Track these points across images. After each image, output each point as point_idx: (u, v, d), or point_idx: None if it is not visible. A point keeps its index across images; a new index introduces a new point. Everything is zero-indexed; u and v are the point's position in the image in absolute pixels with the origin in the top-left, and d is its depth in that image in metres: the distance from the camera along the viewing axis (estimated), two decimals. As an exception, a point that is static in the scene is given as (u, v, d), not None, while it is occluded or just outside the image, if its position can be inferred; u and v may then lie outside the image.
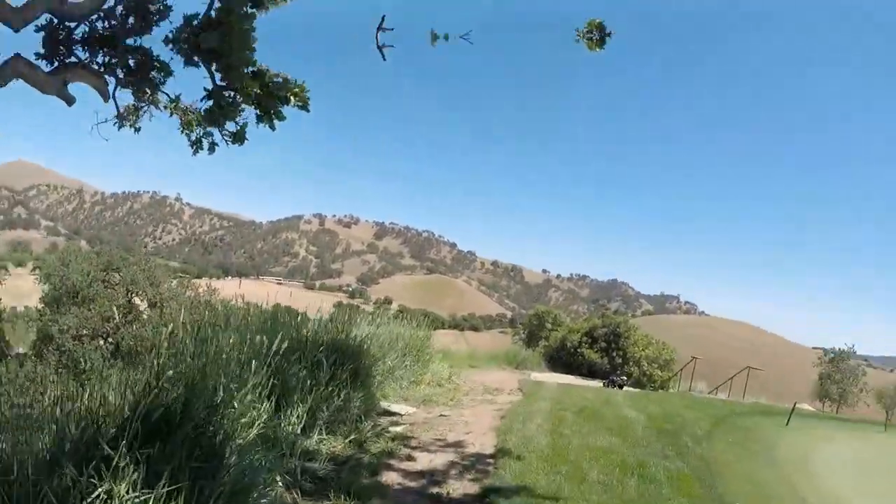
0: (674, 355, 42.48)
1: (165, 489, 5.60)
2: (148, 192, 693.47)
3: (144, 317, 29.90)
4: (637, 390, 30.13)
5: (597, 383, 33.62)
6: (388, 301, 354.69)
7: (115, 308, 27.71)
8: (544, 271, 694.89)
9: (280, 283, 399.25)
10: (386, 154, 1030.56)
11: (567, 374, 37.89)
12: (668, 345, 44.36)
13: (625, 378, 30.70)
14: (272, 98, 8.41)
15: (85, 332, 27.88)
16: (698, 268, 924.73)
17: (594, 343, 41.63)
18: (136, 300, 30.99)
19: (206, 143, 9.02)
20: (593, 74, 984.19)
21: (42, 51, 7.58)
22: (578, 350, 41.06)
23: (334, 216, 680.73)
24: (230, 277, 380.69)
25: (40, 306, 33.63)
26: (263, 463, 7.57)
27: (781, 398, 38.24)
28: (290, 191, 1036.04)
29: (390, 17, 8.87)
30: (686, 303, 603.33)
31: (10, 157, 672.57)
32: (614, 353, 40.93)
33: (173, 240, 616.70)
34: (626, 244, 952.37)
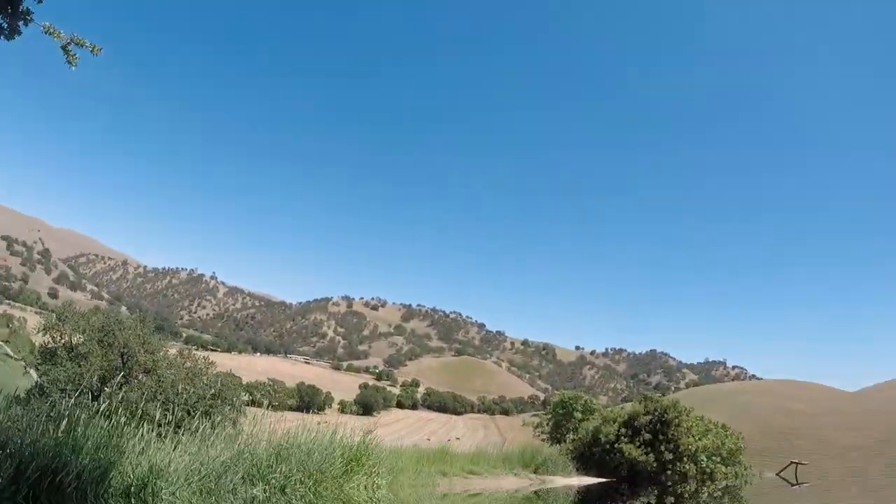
0: (741, 443, 33.22)
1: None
2: (186, 269, 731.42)
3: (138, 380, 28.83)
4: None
5: None
6: (415, 383, 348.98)
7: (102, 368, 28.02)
8: (578, 348, 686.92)
9: (308, 362, 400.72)
10: (414, 236, 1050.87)
11: (601, 477, 31.92)
12: (730, 429, 35.14)
13: None
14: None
15: (70, 386, 26.97)
16: (742, 327, 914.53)
17: (636, 435, 33.09)
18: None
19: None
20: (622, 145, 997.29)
21: None
22: (615, 446, 32.24)
23: (362, 298, 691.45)
24: (259, 354, 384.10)
25: (36, 357, 35.67)
26: None
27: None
28: (320, 273, 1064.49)
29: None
30: (734, 367, 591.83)
31: (62, 224, 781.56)
32: (662, 447, 32.06)
33: (207, 314, 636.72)
34: (664, 312, 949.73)
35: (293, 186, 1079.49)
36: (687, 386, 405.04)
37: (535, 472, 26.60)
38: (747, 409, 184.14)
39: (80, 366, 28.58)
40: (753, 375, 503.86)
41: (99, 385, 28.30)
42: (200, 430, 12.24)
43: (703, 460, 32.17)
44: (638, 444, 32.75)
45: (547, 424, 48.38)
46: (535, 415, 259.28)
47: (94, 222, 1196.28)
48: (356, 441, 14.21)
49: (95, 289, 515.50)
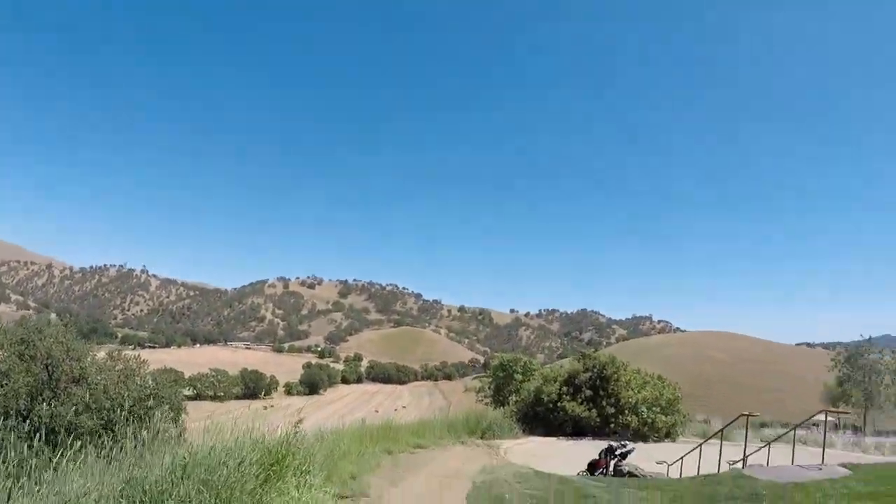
0: (678, 393, 34.19)
1: None
2: (115, 265, 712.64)
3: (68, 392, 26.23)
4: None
5: (585, 444, 27.55)
6: (357, 358, 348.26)
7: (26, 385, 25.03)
8: (512, 311, 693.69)
9: (249, 348, 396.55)
10: (345, 211, 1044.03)
11: (548, 435, 32.20)
12: (666, 380, 36.17)
13: (629, 445, 22.22)
14: None
15: None
16: (667, 283, 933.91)
17: (577, 392, 33.66)
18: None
19: None
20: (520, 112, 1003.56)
21: None
22: (558, 404, 32.84)
23: (298, 278, 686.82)
24: (198, 345, 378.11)
25: None
26: None
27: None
28: (254, 257, 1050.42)
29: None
30: (660, 321, 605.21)
31: None
32: (603, 402, 32.74)
33: (141, 310, 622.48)
34: (593, 272, 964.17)
35: (216, 168, 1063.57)
36: (617, 340, 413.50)
37: (481, 438, 26.77)
38: (672, 360, 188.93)
39: (2, 386, 27.51)
40: (678, 328, 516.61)
41: (27, 403, 27.42)
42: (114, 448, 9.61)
43: (643, 412, 32.93)
44: (580, 400, 33.28)
45: (489, 388, 48.83)
46: (476, 377, 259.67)
47: (12, 228, 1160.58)
48: (278, 437, 11.79)
49: (21, 298, 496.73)
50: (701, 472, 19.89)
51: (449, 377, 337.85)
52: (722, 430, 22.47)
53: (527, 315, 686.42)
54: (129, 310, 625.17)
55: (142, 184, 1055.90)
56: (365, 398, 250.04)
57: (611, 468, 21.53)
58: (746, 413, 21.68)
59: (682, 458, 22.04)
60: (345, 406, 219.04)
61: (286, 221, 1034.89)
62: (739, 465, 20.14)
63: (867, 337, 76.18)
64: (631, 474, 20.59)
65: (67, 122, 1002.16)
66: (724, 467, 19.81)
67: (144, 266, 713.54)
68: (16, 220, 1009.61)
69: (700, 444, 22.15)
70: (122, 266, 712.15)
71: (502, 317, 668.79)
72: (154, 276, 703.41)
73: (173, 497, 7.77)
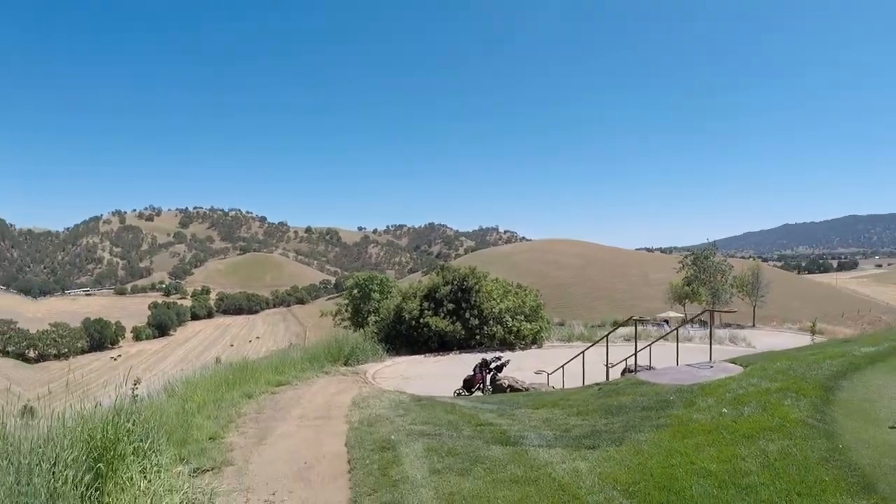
0: (539, 300, 33.75)
1: None
2: None
3: None
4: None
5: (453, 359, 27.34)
6: (206, 291, 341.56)
7: None
8: (360, 228, 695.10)
9: (90, 294, 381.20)
10: (181, 133, 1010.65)
11: (414, 353, 31.37)
12: (527, 288, 35.69)
13: (504, 357, 21.36)
14: None
15: None
16: (512, 193, 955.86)
17: (439, 307, 32.70)
18: None
19: None
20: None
21: None
22: (421, 321, 31.82)
23: (135, 210, 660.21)
24: (33, 298, 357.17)
25: None
26: None
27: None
28: (84, 191, 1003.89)
29: None
30: (506, 231, 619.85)
31: None
32: (467, 314, 31.92)
33: None
34: (438, 185, 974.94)
35: (36, 95, 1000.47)
36: (465, 251, 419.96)
37: (345, 365, 25.54)
38: (523, 266, 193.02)
39: None
40: (523, 237, 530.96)
41: None
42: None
43: (508, 321, 32.46)
44: (443, 315, 32.42)
45: (346, 310, 47.49)
46: (329, 298, 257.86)
47: None
48: (102, 418, 8.92)
49: None
50: (585, 381, 19.18)
51: (302, 301, 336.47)
52: (607, 336, 21.69)
53: (374, 232, 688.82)
54: None
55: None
56: (219, 332, 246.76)
57: (487, 383, 20.62)
58: (636, 317, 21.18)
59: (562, 366, 21.30)
60: (199, 344, 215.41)
61: (119, 149, 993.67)
62: (619, 367, 19.50)
63: (711, 241, 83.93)
64: (512, 388, 19.70)
65: None
66: (611, 374, 19.13)
67: None
68: None
69: (583, 351, 21.45)
70: None
71: (350, 235, 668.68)
72: None
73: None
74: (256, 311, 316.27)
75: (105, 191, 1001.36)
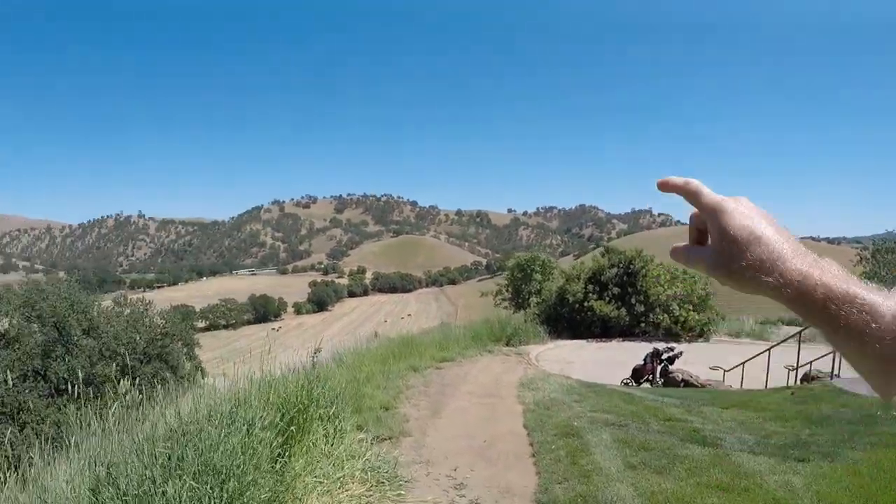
0: (709, 288, 31.98)
1: None
2: (111, 215, 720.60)
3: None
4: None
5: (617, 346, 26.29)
6: (361, 270, 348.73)
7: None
8: (510, 210, 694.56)
9: (254, 274, 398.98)
10: (335, 127, 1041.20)
11: (575, 337, 30.66)
12: (696, 275, 34.09)
13: (677, 348, 20.35)
14: None
15: (14, 374, 25.13)
16: (662, 173, 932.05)
17: (604, 290, 31.52)
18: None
19: None
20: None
21: None
22: (585, 304, 30.86)
23: (292, 200, 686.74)
24: (205, 278, 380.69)
25: None
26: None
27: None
28: (246, 185, 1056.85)
29: None
30: (660, 214, 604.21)
31: None
32: (632, 300, 30.83)
33: (145, 254, 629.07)
34: (590, 166, 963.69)
35: (198, 103, 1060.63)
36: (618, 235, 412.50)
37: (507, 345, 25.21)
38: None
39: (15, 350, 27.02)
40: (678, 221, 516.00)
41: (42, 363, 26.97)
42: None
43: (675, 309, 30.99)
44: (607, 299, 31.45)
45: (507, 290, 46.95)
46: (480, 280, 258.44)
47: (7, 199, 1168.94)
48: (296, 383, 8.95)
49: (27, 263, 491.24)
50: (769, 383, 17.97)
51: (453, 282, 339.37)
52: (799, 335, 19.65)
53: (525, 214, 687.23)
54: (132, 255, 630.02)
55: (125, 132, 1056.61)
56: (374, 309, 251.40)
57: (657, 375, 19.72)
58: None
59: (742, 364, 19.86)
60: (355, 319, 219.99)
61: (277, 143, 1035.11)
62: (801, 372, 18.07)
63: (891, 231, 76.55)
64: (686, 382, 18.79)
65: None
66: (789, 376, 17.80)
67: (140, 211, 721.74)
68: (6, 190, 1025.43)
69: (769, 349, 19.95)
70: (118, 214, 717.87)
71: (500, 217, 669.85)
72: (151, 218, 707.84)
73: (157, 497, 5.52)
74: (410, 290, 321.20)
75: (265, 183, 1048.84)
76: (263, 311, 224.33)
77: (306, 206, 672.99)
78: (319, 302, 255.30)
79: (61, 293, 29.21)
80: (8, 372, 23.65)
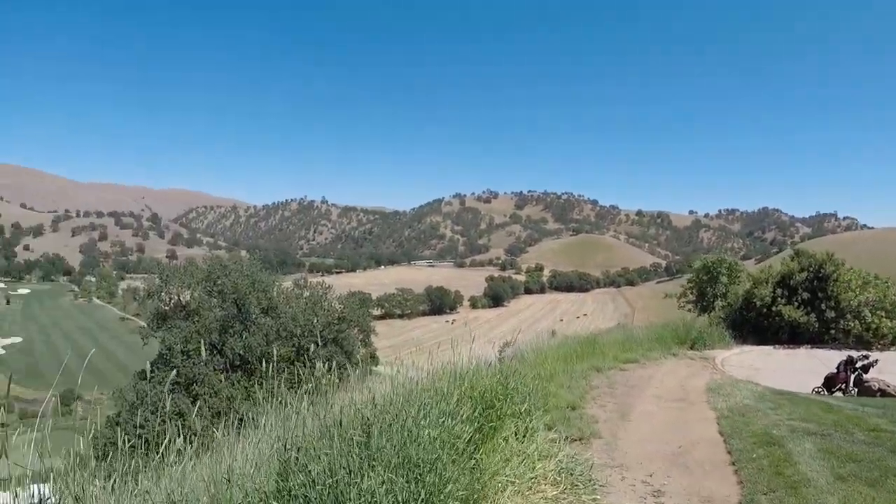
0: None
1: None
2: (295, 199, 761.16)
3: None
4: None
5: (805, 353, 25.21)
6: (539, 268, 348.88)
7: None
8: (691, 212, 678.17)
9: (432, 266, 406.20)
10: (517, 123, 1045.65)
11: (762, 343, 29.25)
12: (889, 279, 32.42)
13: (871, 356, 19.55)
14: None
15: (191, 346, 27.06)
16: (852, 178, 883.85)
17: (793, 295, 30.44)
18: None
19: None
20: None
21: None
22: (772, 308, 29.94)
23: (473, 194, 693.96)
24: (383, 267, 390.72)
25: (144, 324, 35.04)
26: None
27: None
28: (428, 176, 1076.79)
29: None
30: (845, 218, 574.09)
31: (165, 185, 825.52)
32: (822, 305, 29.64)
33: (325, 239, 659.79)
34: (773, 168, 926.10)
35: (384, 97, 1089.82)
36: (801, 239, 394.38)
37: (691, 349, 24.85)
38: (864, 257, 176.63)
39: (195, 323, 28.68)
40: (864, 225, 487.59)
41: (219, 337, 28.57)
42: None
43: (866, 315, 29.56)
44: (796, 304, 30.30)
45: (691, 293, 45.90)
46: (659, 282, 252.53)
47: (195, 176, 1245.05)
48: (491, 377, 8.97)
49: (211, 239, 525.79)
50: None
51: (631, 283, 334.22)
52: None
53: (706, 216, 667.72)
54: (313, 239, 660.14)
55: (312, 120, 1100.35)
56: (549, 307, 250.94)
57: (851, 384, 19.04)
58: None
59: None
60: (530, 316, 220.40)
61: (460, 140, 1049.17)
62: None
63: None
64: (883, 392, 17.98)
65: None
66: None
67: (324, 197, 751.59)
68: (195, 168, 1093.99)
69: None
70: (302, 199, 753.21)
71: (681, 219, 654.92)
72: (334, 205, 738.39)
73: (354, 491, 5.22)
74: (586, 290, 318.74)
75: (447, 176, 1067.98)
76: (439, 302, 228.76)
77: (487, 201, 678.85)
78: (495, 297, 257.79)
79: (243, 271, 30.23)
80: (185, 343, 25.54)
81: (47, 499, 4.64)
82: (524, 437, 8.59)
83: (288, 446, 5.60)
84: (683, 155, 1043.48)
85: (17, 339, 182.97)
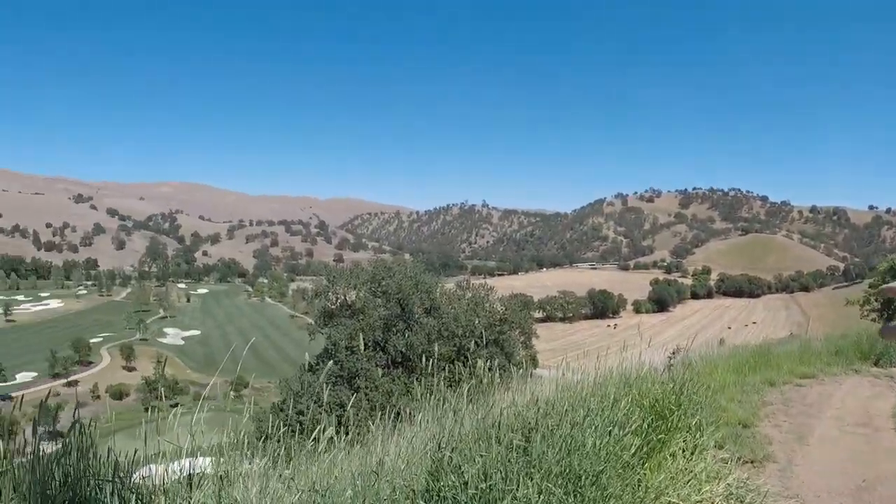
0: None
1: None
2: (457, 204, 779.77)
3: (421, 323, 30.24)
4: None
5: None
6: (706, 271, 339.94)
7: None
8: (872, 208, 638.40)
9: (594, 268, 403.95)
10: (678, 118, 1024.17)
11: None
12: None
13: None
14: None
15: (355, 342, 28.02)
16: None
17: None
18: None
19: None
20: None
21: None
22: (979, 319, 27.71)
23: (635, 193, 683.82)
24: (544, 269, 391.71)
25: (311, 321, 37.87)
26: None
27: None
28: (589, 176, 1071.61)
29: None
30: None
31: (331, 195, 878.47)
32: None
33: (487, 242, 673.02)
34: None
35: (542, 98, 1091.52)
36: None
37: (876, 365, 23.26)
38: None
39: (359, 321, 29.99)
40: None
41: (382, 335, 29.71)
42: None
43: None
44: None
45: (875, 300, 43.00)
46: (836, 287, 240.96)
47: (360, 185, 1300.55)
48: (662, 386, 8.46)
49: (376, 244, 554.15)
50: None
51: (806, 288, 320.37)
52: None
53: (888, 212, 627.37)
54: (475, 243, 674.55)
55: (475, 124, 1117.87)
56: (716, 314, 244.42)
57: None
58: None
59: None
60: (696, 322, 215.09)
61: (620, 140, 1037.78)
62: None
63: None
64: None
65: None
66: None
67: (484, 200, 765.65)
68: (360, 177, 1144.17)
69: None
70: (463, 203, 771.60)
71: (860, 215, 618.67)
72: (495, 208, 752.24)
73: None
74: (757, 295, 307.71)
75: (608, 176, 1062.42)
76: (602, 306, 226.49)
77: (650, 200, 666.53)
78: (660, 301, 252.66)
79: (407, 272, 31.35)
80: (350, 339, 26.58)
81: (195, 472, 4.80)
82: (692, 454, 7.78)
83: (442, 445, 5.33)
84: (861, 144, 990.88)
85: (196, 332, 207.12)
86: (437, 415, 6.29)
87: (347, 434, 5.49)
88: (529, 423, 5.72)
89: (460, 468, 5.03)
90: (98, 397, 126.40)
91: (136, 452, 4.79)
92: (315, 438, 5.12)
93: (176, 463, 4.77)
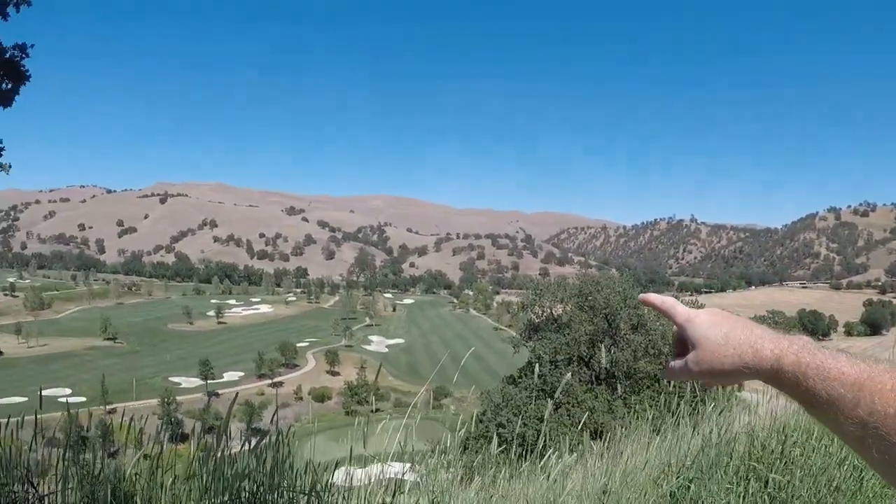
0: None
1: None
2: (664, 218, 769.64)
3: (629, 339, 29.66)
4: None
5: None
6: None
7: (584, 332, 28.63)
8: None
9: (805, 287, 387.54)
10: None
11: None
12: None
13: None
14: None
15: (560, 357, 28.35)
16: None
17: None
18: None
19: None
20: None
21: None
22: None
23: (849, 207, 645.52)
24: (753, 287, 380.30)
25: (515, 334, 38.00)
26: None
27: None
28: (802, 189, 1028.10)
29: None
30: None
31: (537, 209, 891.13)
32: None
33: (694, 258, 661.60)
34: None
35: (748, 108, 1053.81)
36: None
37: None
38: None
39: (565, 335, 29.55)
40: None
41: (588, 350, 29.06)
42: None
43: None
44: None
45: None
46: None
47: (566, 199, 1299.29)
48: None
49: (582, 258, 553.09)
50: None
51: None
52: None
53: None
54: (682, 258, 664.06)
55: (680, 138, 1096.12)
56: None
57: None
58: None
59: None
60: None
61: (832, 152, 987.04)
62: None
63: None
64: None
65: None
66: None
67: (693, 215, 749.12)
68: (567, 192, 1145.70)
69: None
70: (671, 218, 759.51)
71: None
72: (703, 223, 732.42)
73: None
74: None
75: (821, 187, 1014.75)
76: (812, 328, 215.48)
77: (864, 215, 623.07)
78: (873, 324, 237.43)
79: (615, 287, 30.77)
80: (554, 354, 26.28)
81: (398, 477, 4.83)
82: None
83: (673, 470, 4.72)
84: None
85: (401, 341, 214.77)
86: (656, 435, 5.43)
87: (561, 455, 4.94)
88: (774, 451, 4.69)
89: (699, 495, 4.36)
90: (301, 398, 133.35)
91: (335, 464, 4.85)
92: (524, 455, 5.08)
93: (378, 467, 4.80)
